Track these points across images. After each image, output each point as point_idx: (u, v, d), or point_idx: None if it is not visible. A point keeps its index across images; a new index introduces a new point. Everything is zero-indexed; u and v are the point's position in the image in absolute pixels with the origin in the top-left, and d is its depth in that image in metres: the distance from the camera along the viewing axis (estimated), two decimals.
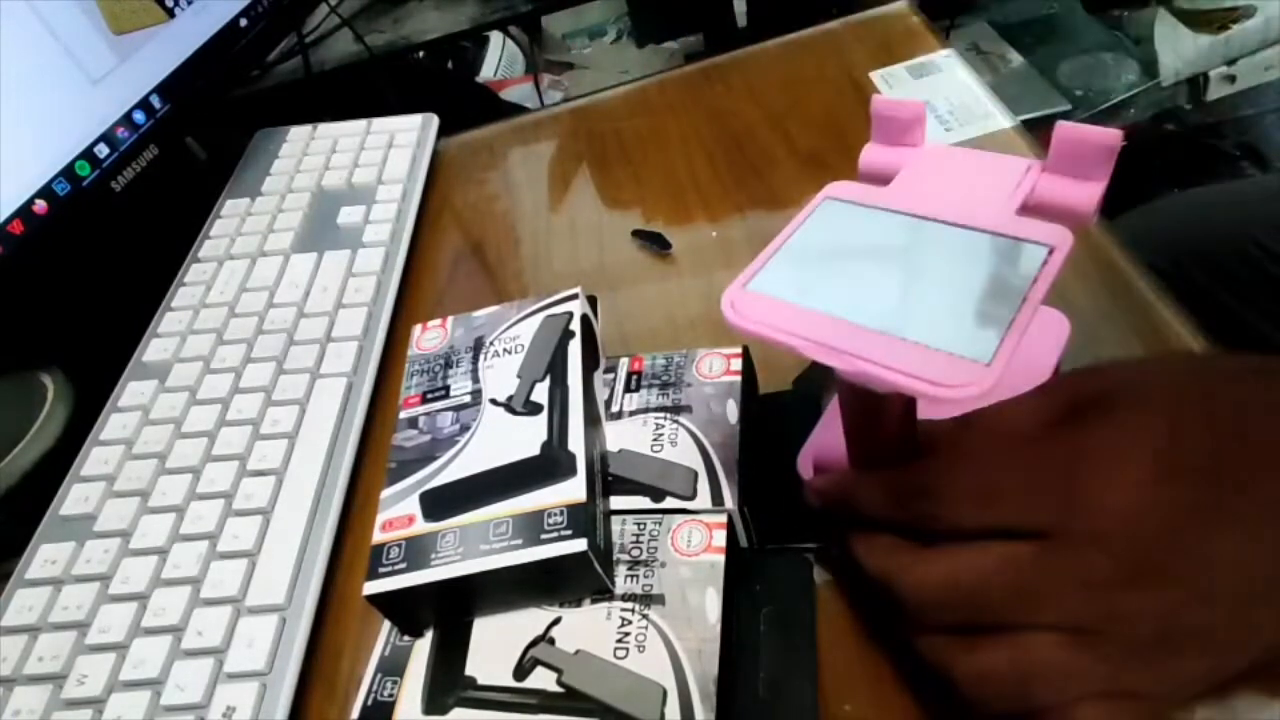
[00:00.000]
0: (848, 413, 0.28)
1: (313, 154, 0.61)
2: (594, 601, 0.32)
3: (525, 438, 0.34)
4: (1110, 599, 0.24)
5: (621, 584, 0.32)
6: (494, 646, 0.32)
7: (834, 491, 0.31)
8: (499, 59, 1.54)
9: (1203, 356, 0.26)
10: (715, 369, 0.37)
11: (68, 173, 0.49)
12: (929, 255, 0.26)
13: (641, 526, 0.33)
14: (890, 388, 0.22)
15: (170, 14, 0.58)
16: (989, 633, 0.25)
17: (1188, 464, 0.23)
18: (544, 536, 0.31)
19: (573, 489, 0.32)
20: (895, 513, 0.28)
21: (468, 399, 0.37)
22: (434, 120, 0.63)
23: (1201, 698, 0.27)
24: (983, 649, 0.25)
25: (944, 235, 0.26)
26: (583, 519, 0.31)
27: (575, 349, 0.37)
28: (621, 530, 0.33)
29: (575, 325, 0.38)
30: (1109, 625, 0.24)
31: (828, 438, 0.32)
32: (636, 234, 0.51)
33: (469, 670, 0.31)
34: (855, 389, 0.26)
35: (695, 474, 0.34)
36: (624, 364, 0.39)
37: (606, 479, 0.35)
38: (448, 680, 0.31)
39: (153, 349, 0.49)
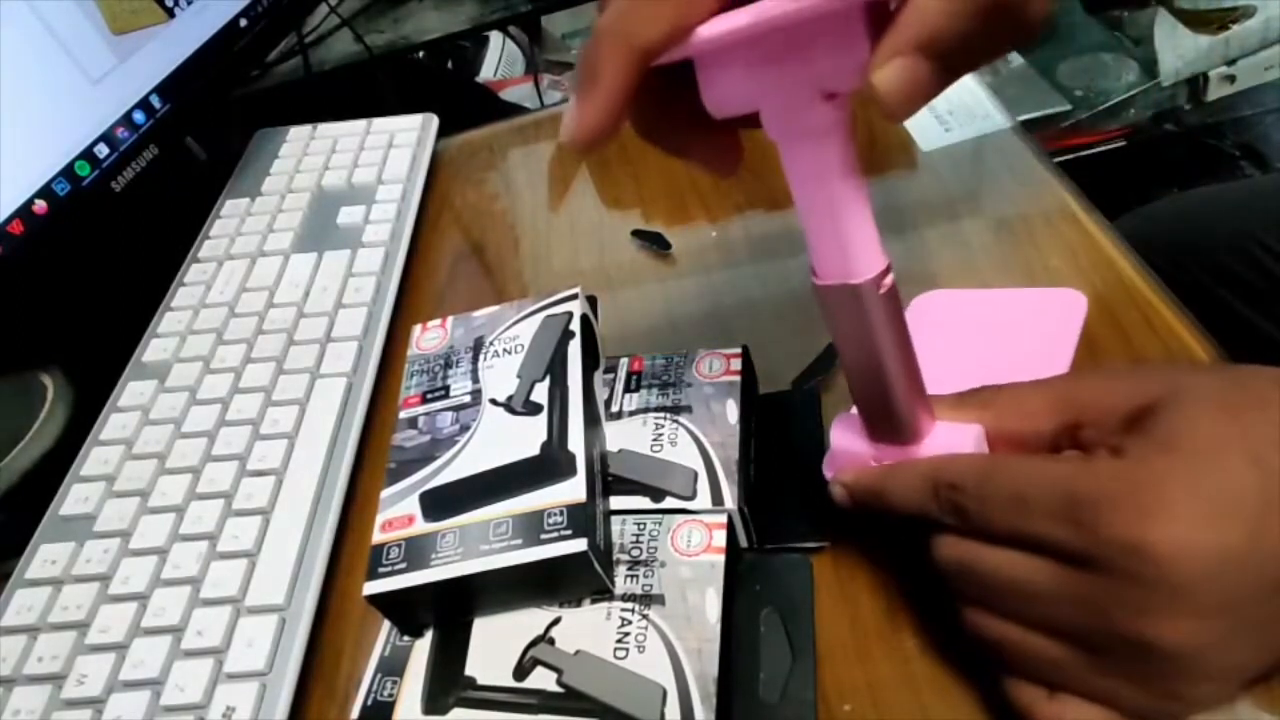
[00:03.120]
0: (837, 331, 0.28)
1: (313, 154, 0.61)
2: (594, 601, 0.32)
3: (525, 438, 0.34)
4: (1124, 629, 0.23)
5: (621, 584, 0.32)
6: (494, 646, 0.32)
7: (863, 487, 0.30)
8: (499, 59, 1.54)
9: (1255, 376, 0.25)
10: (715, 369, 0.37)
11: (68, 173, 0.49)
12: None
13: (641, 526, 0.33)
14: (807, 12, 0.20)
15: (170, 14, 0.58)
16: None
17: (1227, 508, 0.23)
18: (544, 536, 0.31)
19: (573, 489, 0.32)
20: (926, 505, 0.28)
21: (467, 399, 0.37)
22: (434, 120, 0.63)
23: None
24: (989, 618, 0.27)
25: None
26: (583, 519, 0.31)
27: (575, 349, 0.37)
28: (621, 530, 0.33)
29: (575, 325, 0.38)
30: (1115, 648, 0.24)
31: (842, 443, 0.31)
32: (636, 234, 0.51)
33: (469, 670, 0.31)
34: (834, 297, 0.26)
35: (695, 474, 0.34)
36: (624, 364, 0.39)
37: (606, 479, 0.35)
38: (448, 680, 0.31)
39: (153, 349, 0.49)
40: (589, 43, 0.23)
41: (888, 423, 0.29)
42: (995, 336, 0.39)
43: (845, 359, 0.29)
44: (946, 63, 0.21)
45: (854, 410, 0.31)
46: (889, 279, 0.26)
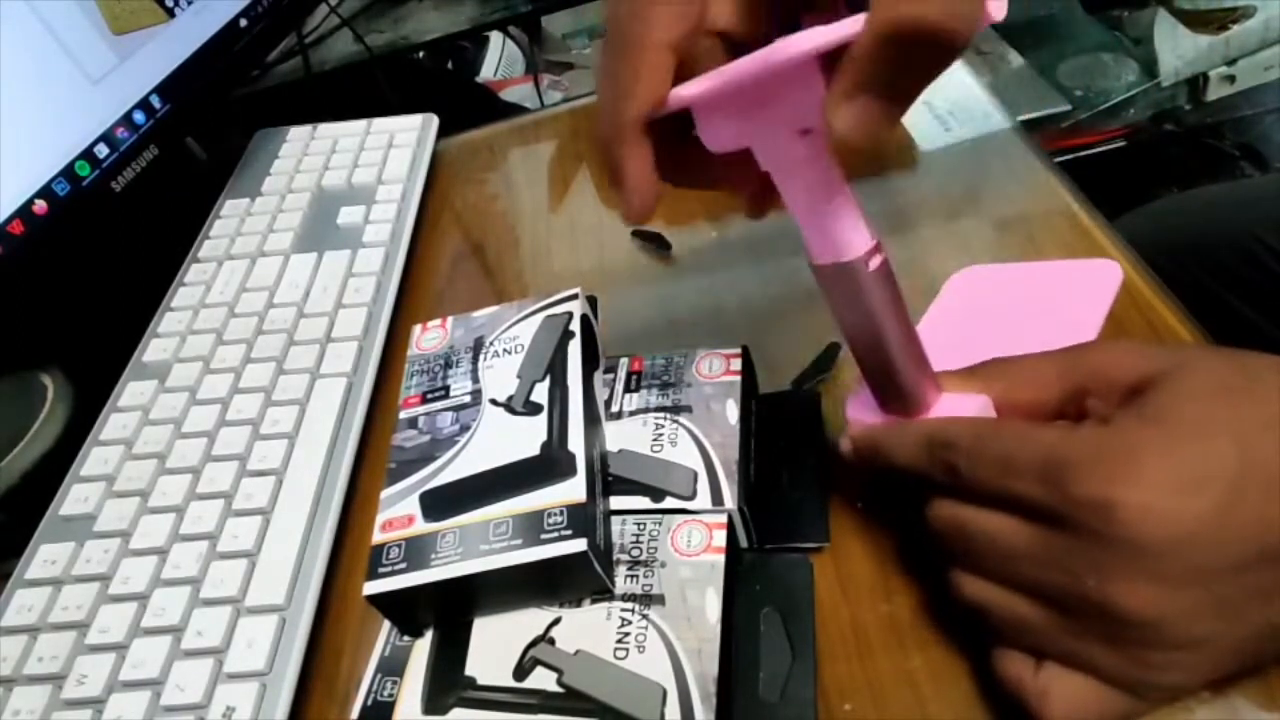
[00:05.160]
0: (836, 308, 0.29)
1: (313, 154, 0.61)
2: (594, 601, 0.32)
3: (525, 438, 0.34)
4: (1090, 590, 0.24)
5: (621, 584, 0.32)
6: (494, 646, 0.32)
7: (866, 442, 0.31)
8: (499, 59, 1.54)
9: (1259, 363, 0.26)
10: (715, 369, 0.37)
11: (68, 173, 0.49)
12: None
13: (641, 526, 0.33)
14: (815, 47, 0.22)
15: (170, 14, 0.58)
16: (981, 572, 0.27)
17: (1198, 481, 0.23)
18: (544, 536, 0.31)
19: (573, 489, 0.32)
20: (921, 462, 0.29)
21: (467, 399, 0.37)
22: (434, 120, 0.63)
23: (1195, 695, 0.28)
24: (974, 580, 0.28)
25: None
26: (583, 519, 0.31)
27: (575, 349, 0.37)
28: (621, 530, 0.33)
29: (575, 325, 0.38)
30: (1087, 611, 0.24)
31: (857, 415, 0.33)
32: (636, 234, 0.51)
33: (469, 670, 0.31)
34: (829, 275, 0.28)
35: (695, 474, 0.34)
36: (624, 364, 0.39)
37: (606, 479, 0.35)
38: (448, 680, 0.31)
39: (153, 349, 0.49)
40: (597, 134, 0.27)
41: (893, 393, 0.30)
42: (1029, 308, 0.39)
43: (846, 334, 0.30)
44: (890, 94, 0.23)
45: (861, 390, 0.32)
46: (879, 256, 0.28)
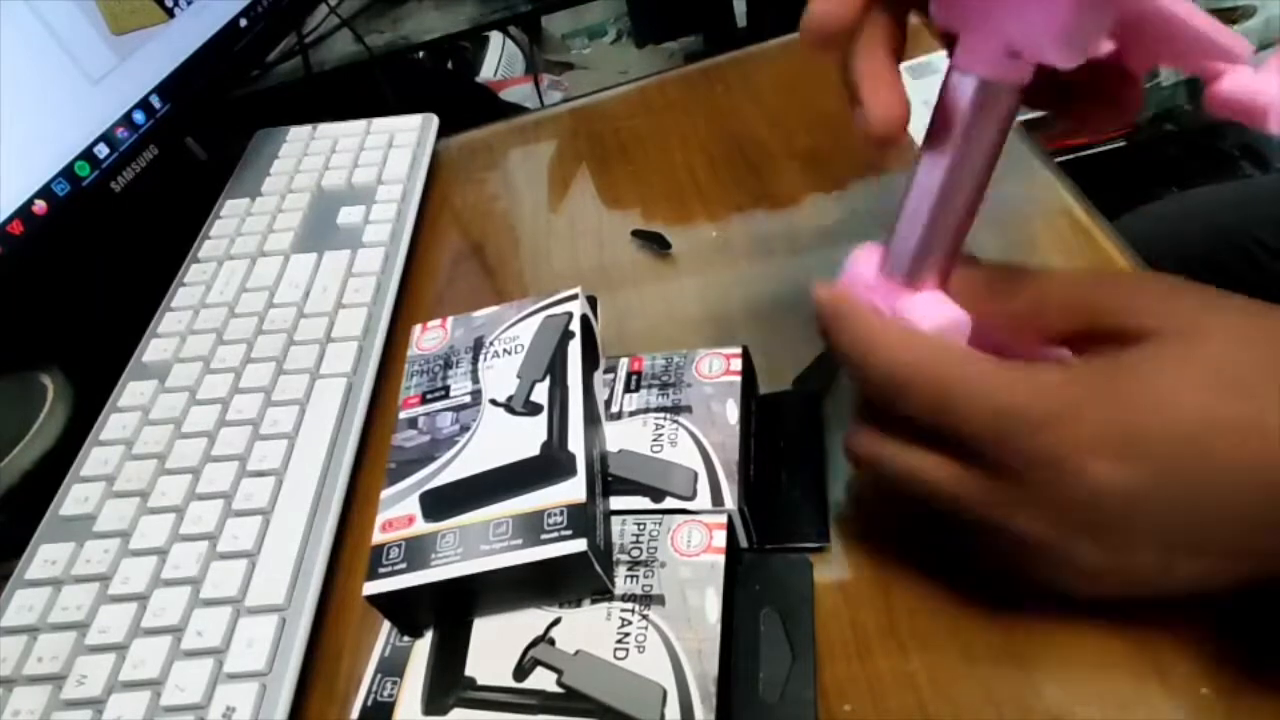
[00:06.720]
0: (934, 132, 0.29)
1: (313, 154, 0.61)
2: (594, 602, 0.32)
3: (525, 438, 0.34)
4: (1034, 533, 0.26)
5: (621, 584, 0.32)
6: (494, 647, 0.32)
7: (829, 311, 0.30)
8: (499, 59, 1.54)
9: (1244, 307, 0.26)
10: (715, 369, 0.37)
11: (67, 173, 0.49)
12: None
13: (641, 527, 0.33)
14: None
15: (170, 14, 0.58)
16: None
17: (1149, 448, 0.24)
18: (544, 537, 0.31)
19: (573, 489, 0.32)
20: (869, 392, 0.29)
21: (467, 399, 0.37)
22: (434, 120, 0.63)
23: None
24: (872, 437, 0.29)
25: None
26: (583, 519, 0.31)
27: (575, 349, 0.37)
28: (621, 530, 0.33)
29: (575, 325, 0.38)
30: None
31: (855, 266, 0.31)
32: (636, 234, 0.51)
33: (469, 670, 0.31)
34: (969, 90, 0.27)
35: (695, 474, 0.34)
36: (624, 364, 0.39)
37: (606, 479, 0.35)
38: (448, 680, 0.31)
39: (153, 349, 0.49)
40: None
41: (904, 245, 0.29)
42: None
43: (926, 162, 0.29)
44: None
45: (878, 244, 0.31)
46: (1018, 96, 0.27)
